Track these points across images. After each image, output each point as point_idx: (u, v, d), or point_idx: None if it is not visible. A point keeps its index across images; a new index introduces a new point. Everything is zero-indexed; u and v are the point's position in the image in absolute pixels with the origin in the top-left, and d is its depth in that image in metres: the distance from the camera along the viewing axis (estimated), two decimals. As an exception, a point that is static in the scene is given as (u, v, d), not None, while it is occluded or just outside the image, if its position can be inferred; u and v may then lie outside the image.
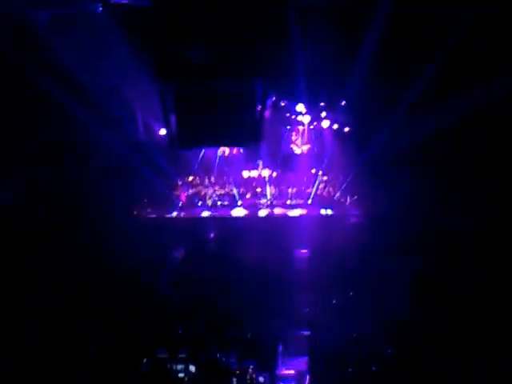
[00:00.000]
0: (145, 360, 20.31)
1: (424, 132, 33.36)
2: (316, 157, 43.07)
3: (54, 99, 29.95)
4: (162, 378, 19.19)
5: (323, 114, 42.16)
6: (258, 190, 41.15)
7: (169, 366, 19.69)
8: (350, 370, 19.11)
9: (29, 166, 31.47)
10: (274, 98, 40.91)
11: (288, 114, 42.77)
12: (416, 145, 33.85)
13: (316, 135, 42.89)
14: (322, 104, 41.97)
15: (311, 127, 42.90)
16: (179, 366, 19.60)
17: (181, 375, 19.34)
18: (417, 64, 32.80)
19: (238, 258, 30.24)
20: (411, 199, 33.71)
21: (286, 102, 41.90)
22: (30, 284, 25.51)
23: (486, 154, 32.17)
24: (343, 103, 40.32)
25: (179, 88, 21.28)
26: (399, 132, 35.03)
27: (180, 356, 20.27)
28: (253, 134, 22.03)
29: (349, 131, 41.33)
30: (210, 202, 40.71)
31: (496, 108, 29.83)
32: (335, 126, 41.98)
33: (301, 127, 42.90)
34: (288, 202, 40.04)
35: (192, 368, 19.54)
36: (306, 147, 43.28)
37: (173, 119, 22.24)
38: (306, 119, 42.59)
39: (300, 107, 42.00)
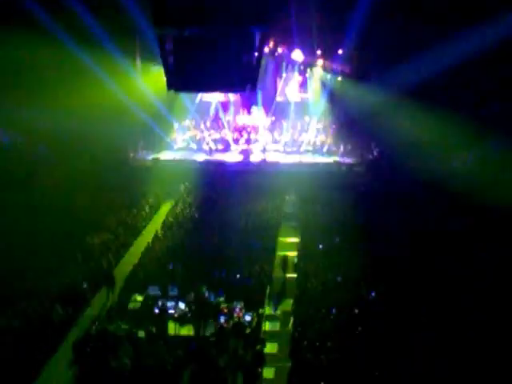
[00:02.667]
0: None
1: (418, 79, 33.62)
2: (310, 104, 43.26)
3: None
4: (153, 314, 19.89)
5: (319, 62, 42.18)
6: (253, 136, 41.38)
7: (160, 302, 20.33)
8: (333, 311, 19.78)
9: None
10: (271, 45, 40.79)
11: (284, 62, 42.77)
12: (410, 92, 34.08)
13: (311, 83, 42.95)
14: (318, 52, 41.91)
15: (307, 75, 42.98)
16: (170, 303, 20.25)
17: (171, 312, 19.99)
18: (414, 12, 32.94)
19: (230, 202, 30.85)
20: (403, 147, 34.04)
21: (282, 49, 41.80)
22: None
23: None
24: (340, 51, 40.25)
25: (178, 31, 21.30)
26: (393, 80, 35.17)
27: (170, 294, 20.98)
28: (249, 81, 22.10)
29: (344, 79, 41.45)
30: (204, 146, 40.96)
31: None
32: (331, 74, 42.10)
33: (296, 75, 42.98)
34: (281, 148, 40.30)
35: (182, 305, 20.20)
36: (300, 95, 43.40)
37: (171, 62, 22.29)
38: (302, 67, 42.64)
39: (296, 55, 41.88)
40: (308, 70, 42.35)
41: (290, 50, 41.61)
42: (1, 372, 16.12)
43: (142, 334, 18.69)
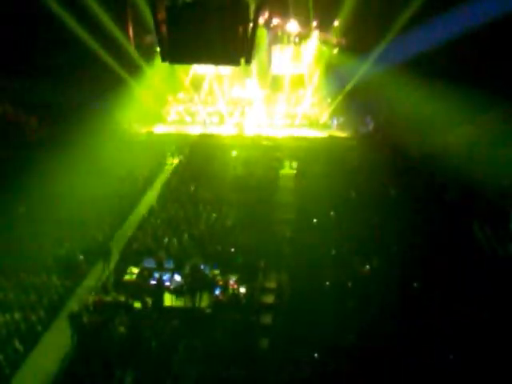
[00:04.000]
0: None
1: (416, 52, 33.54)
2: (306, 77, 43.11)
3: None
4: (149, 286, 20.07)
5: (315, 34, 41.93)
6: (247, 109, 41.29)
7: (155, 275, 20.50)
8: (327, 283, 20.00)
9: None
10: (266, 16, 40.49)
11: (280, 33, 42.49)
12: (407, 65, 34.02)
13: (306, 55, 42.73)
14: (314, 24, 41.65)
15: (302, 47, 42.71)
16: (165, 276, 20.43)
17: (167, 284, 20.18)
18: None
19: (224, 176, 30.91)
20: (398, 121, 34.08)
21: (278, 20, 41.51)
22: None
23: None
24: (336, 23, 40.04)
25: (172, 0, 20.98)
26: (391, 53, 35.07)
27: (166, 266, 21.18)
28: (244, 53, 21.86)
29: (340, 52, 41.30)
30: (199, 119, 40.88)
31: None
32: (326, 47, 41.92)
33: (292, 47, 42.69)
34: (276, 122, 40.26)
35: (177, 277, 20.38)
36: (295, 67, 43.18)
37: (164, 33, 21.97)
38: (298, 38, 42.36)
39: (292, 26, 41.60)
40: (303, 41, 42.11)
41: (286, 22, 41.37)
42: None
43: (138, 305, 18.90)
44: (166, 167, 33.25)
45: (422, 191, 28.05)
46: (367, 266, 21.19)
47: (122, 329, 17.29)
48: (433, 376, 15.26)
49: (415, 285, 19.78)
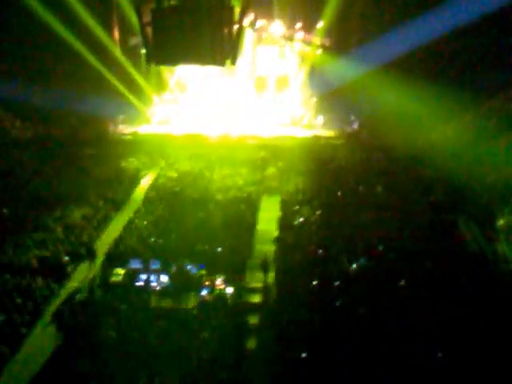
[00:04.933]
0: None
1: (398, 52, 33.72)
2: (290, 78, 43.18)
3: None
4: (135, 287, 19.94)
5: (299, 35, 42.06)
6: (233, 109, 41.21)
7: (142, 276, 20.36)
8: (314, 283, 19.98)
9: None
10: (251, 18, 40.50)
11: (265, 34, 42.52)
12: (390, 65, 34.19)
13: (291, 56, 42.82)
14: (298, 25, 41.81)
15: (287, 48, 42.79)
16: (152, 277, 20.31)
17: (153, 285, 20.08)
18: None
19: (211, 175, 30.85)
20: (382, 120, 34.23)
21: (263, 22, 41.54)
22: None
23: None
24: (319, 25, 40.17)
25: (157, 3, 20.83)
26: (374, 53, 35.23)
27: (153, 267, 20.99)
28: (229, 54, 21.79)
29: (324, 52, 41.44)
30: (184, 120, 40.73)
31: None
32: (311, 48, 42.00)
33: (277, 47, 42.75)
34: (261, 121, 40.21)
35: (164, 278, 20.30)
36: (280, 68, 43.21)
37: (149, 35, 21.83)
38: (282, 40, 42.43)
39: (276, 27, 41.70)
40: (288, 43, 42.20)
41: (270, 23, 41.46)
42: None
43: (124, 306, 18.75)
44: (152, 168, 32.95)
45: (408, 189, 28.14)
46: (354, 266, 21.21)
47: (108, 330, 17.17)
48: (420, 376, 15.33)
49: (402, 283, 19.76)
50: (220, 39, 21.31)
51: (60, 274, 20.84)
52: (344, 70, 37.80)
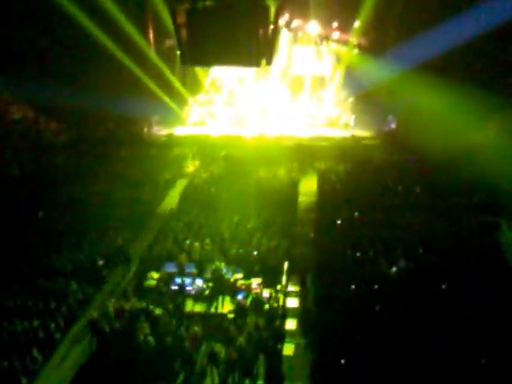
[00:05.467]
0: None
1: (436, 52, 33.05)
2: (326, 78, 42.71)
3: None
4: (170, 292, 19.67)
5: (335, 35, 41.60)
6: (268, 110, 40.90)
7: (177, 280, 20.09)
8: (353, 287, 19.51)
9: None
10: (286, 18, 40.21)
11: (300, 34, 42.12)
12: (429, 65, 33.51)
13: (327, 56, 42.36)
14: (334, 25, 41.35)
15: (322, 48, 42.31)
16: (187, 281, 20.03)
17: (188, 289, 19.78)
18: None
19: (246, 178, 30.50)
20: (420, 120, 33.57)
21: (298, 22, 41.18)
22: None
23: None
24: (356, 24, 39.70)
25: (191, 4, 20.59)
26: (411, 53, 34.62)
27: (188, 271, 20.71)
28: (265, 54, 21.40)
29: (360, 52, 40.92)
30: (220, 121, 40.59)
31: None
32: (347, 47, 41.50)
33: (313, 47, 42.29)
34: (297, 122, 39.87)
35: (199, 282, 20.01)
36: (316, 68, 42.75)
37: (184, 36, 21.61)
38: (318, 39, 41.99)
39: (312, 27, 41.27)
40: (324, 42, 41.74)
41: (306, 23, 41.06)
42: (16, 350, 16.03)
43: (159, 311, 18.48)
44: (187, 170, 32.75)
45: (449, 190, 27.41)
46: (394, 268, 20.62)
47: (143, 336, 16.89)
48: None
49: (443, 287, 19.13)
50: (255, 40, 20.86)
51: (95, 278, 20.68)
52: (381, 69, 37.29)
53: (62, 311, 18.28)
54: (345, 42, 41.46)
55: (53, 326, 17.44)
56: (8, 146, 30.92)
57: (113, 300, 19.14)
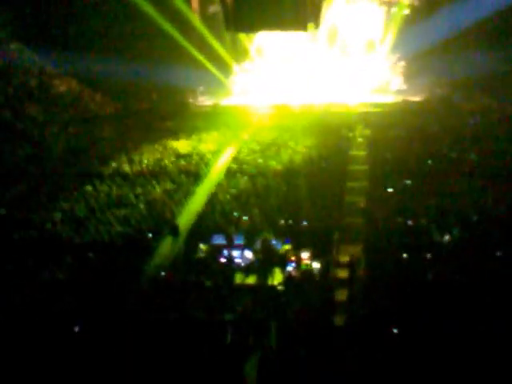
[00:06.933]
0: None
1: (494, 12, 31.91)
2: (377, 40, 41.58)
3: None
4: (220, 264, 19.63)
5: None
6: (316, 76, 40.22)
7: (225, 252, 20.00)
8: (404, 256, 19.10)
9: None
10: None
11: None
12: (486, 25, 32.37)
13: (378, 17, 41.18)
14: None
15: (373, 9, 41.14)
16: (235, 252, 19.92)
17: (238, 261, 19.67)
18: None
19: (295, 146, 30.07)
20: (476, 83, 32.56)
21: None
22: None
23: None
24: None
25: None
26: (466, 13, 33.51)
27: (236, 243, 20.58)
28: (312, 18, 20.77)
29: (411, 12, 39.69)
30: (266, 89, 40.13)
31: None
32: (398, 7, 40.28)
33: (362, 9, 41.13)
34: (348, 87, 39.16)
35: (248, 254, 19.85)
36: (366, 30, 41.65)
37: (229, 2, 21.18)
38: (367, 1, 40.85)
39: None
40: (374, 3, 40.57)
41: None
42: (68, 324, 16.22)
43: (208, 283, 18.44)
44: (233, 140, 32.50)
45: (507, 157, 26.40)
46: (446, 237, 20.04)
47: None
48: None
49: (498, 254, 18.49)
50: (302, 3, 20.22)
51: (143, 251, 20.74)
52: (434, 30, 36.02)
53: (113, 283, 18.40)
54: (396, 2, 40.19)
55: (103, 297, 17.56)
56: (53, 119, 31.30)
57: (162, 273, 19.24)
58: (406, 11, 39.93)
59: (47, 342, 15.07)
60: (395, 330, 15.40)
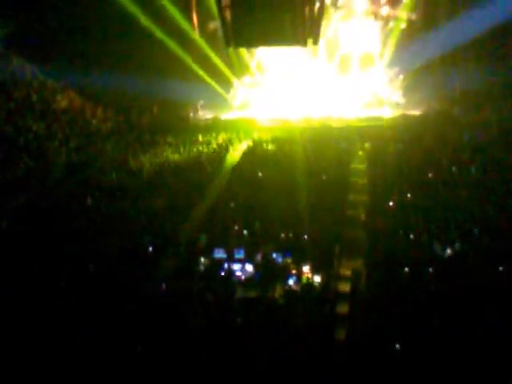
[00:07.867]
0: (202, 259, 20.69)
1: (490, 26, 32.09)
2: (375, 55, 41.81)
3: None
4: (220, 277, 19.58)
5: (384, 10, 40.64)
6: (316, 90, 40.37)
7: (226, 265, 19.95)
8: (406, 270, 19.07)
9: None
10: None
11: (348, 11, 41.27)
12: (481, 40, 32.54)
13: (376, 32, 41.41)
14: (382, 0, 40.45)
15: (371, 24, 41.39)
16: (236, 266, 19.89)
17: (238, 274, 19.64)
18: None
19: (294, 160, 30.06)
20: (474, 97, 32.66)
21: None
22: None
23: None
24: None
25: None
26: (463, 27, 33.71)
27: (237, 256, 20.55)
28: (311, 33, 20.84)
29: (409, 27, 39.94)
30: (266, 104, 40.27)
31: None
32: (396, 22, 40.51)
33: (360, 24, 41.38)
34: (347, 102, 39.28)
35: (249, 267, 19.82)
36: (365, 45, 41.87)
37: (228, 16, 21.31)
38: (366, 16, 41.09)
39: (360, 3, 40.41)
40: (372, 18, 40.83)
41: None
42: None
43: (209, 296, 18.40)
44: (234, 154, 32.58)
45: (506, 169, 26.47)
46: (448, 251, 20.03)
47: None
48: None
49: (500, 269, 18.42)
50: (301, 18, 20.30)
51: (144, 265, 20.66)
52: (432, 45, 36.29)
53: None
54: (394, 18, 40.44)
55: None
56: (55, 134, 31.37)
57: (163, 285, 19.21)
58: (404, 26, 40.20)
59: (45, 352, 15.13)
60: (397, 345, 15.40)
